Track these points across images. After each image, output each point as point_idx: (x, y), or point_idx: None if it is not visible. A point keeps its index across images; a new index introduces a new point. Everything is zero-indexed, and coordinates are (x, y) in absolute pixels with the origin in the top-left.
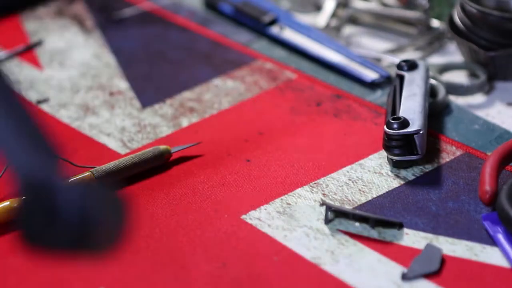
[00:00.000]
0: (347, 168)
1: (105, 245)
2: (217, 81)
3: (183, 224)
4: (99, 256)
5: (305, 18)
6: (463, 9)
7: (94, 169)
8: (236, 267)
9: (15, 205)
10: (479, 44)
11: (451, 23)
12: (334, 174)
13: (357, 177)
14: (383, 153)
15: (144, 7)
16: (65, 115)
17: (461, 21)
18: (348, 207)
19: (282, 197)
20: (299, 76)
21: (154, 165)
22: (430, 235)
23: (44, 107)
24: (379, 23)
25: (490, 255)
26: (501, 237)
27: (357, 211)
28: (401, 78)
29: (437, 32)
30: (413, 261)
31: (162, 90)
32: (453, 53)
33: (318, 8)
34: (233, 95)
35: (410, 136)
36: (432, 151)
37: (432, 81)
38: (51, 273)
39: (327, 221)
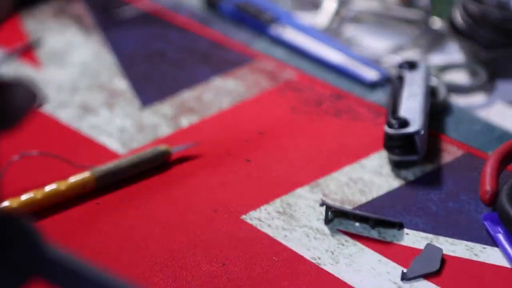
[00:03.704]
0: (347, 168)
1: None
2: (217, 81)
3: (183, 224)
4: None
5: (306, 18)
6: (464, 8)
7: (94, 169)
8: (236, 267)
9: (15, 205)
10: (480, 44)
11: (452, 22)
12: (334, 174)
13: (357, 177)
14: (383, 153)
15: (144, 7)
16: (65, 115)
17: (462, 20)
18: (348, 207)
19: (282, 197)
20: (299, 76)
21: (154, 165)
22: (430, 235)
23: (44, 107)
24: (379, 23)
25: (490, 255)
26: (501, 237)
27: (357, 211)
28: (401, 78)
29: (437, 31)
30: (413, 261)
31: (162, 90)
32: (454, 53)
33: (318, 8)
34: (233, 95)
35: (410, 136)
36: (433, 151)
37: (433, 81)
38: None
39: (327, 221)
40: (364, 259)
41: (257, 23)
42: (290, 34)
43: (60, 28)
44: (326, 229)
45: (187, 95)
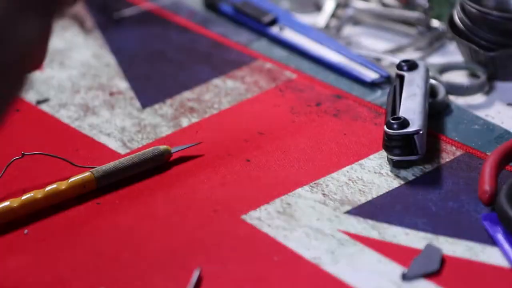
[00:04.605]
0: (347, 168)
1: None
2: (217, 81)
3: (183, 224)
4: None
5: (305, 18)
6: (463, 9)
7: (94, 169)
8: (236, 267)
9: (15, 205)
10: (479, 44)
11: (451, 23)
12: (334, 174)
13: (357, 177)
14: (383, 153)
15: (144, 7)
16: (65, 115)
17: (461, 21)
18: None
19: (282, 197)
20: (299, 76)
21: (154, 165)
22: (430, 235)
23: (44, 107)
24: (379, 23)
25: (490, 255)
26: (501, 237)
27: None
28: (401, 78)
29: (437, 32)
30: (413, 261)
31: (162, 90)
32: (453, 53)
33: (318, 8)
34: (233, 95)
35: (410, 136)
36: (432, 151)
37: (432, 81)
38: (51, 273)
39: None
40: (364, 259)
41: (257, 24)
42: (290, 34)
43: (60, 28)
44: (326, 229)
45: (187, 95)
